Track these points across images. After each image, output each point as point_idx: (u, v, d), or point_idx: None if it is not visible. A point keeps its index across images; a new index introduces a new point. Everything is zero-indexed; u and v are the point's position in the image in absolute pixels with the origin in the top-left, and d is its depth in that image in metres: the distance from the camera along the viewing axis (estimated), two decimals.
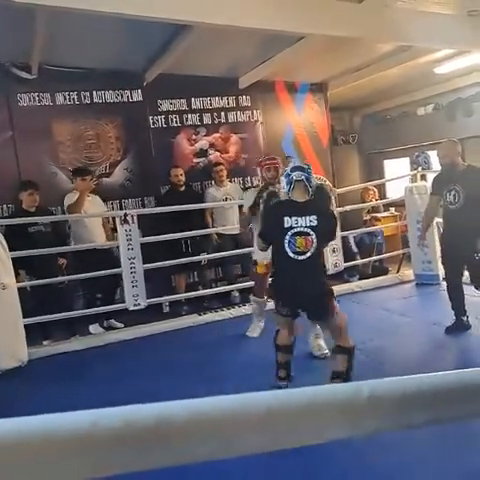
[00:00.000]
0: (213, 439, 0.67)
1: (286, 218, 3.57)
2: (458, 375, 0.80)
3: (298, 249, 3.54)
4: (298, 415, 0.69)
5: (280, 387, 3.65)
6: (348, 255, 7.50)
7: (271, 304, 5.00)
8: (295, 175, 3.65)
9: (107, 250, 6.29)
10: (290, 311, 3.76)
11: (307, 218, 3.55)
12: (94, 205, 6.18)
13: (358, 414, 0.72)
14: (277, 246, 3.67)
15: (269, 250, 3.94)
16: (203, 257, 6.81)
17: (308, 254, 3.54)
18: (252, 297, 5.59)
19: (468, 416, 0.89)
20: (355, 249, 8.04)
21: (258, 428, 0.68)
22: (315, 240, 3.53)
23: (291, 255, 3.55)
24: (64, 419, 0.63)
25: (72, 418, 0.63)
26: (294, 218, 3.56)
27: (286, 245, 3.56)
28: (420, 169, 7.24)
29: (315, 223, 3.54)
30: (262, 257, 4.87)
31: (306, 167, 3.72)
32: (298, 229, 3.54)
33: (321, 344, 4.73)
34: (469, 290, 5.15)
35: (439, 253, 6.95)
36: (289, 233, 3.55)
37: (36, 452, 0.61)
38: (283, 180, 3.80)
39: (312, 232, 3.54)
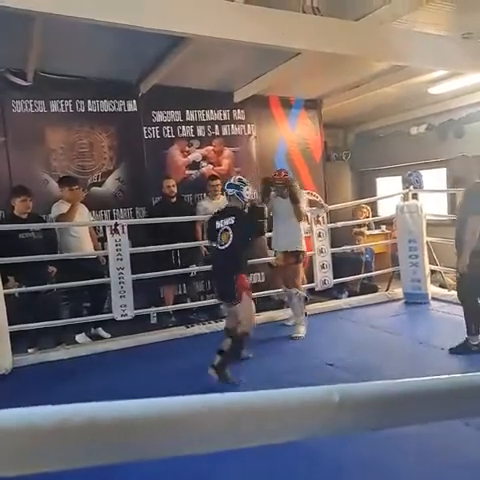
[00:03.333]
0: (179, 436, 0.67)
1: (217, 222, 4.71)
2: (421, 382, 0.83)
3: (221, 241, 4.61)
4: (266, 415, 0.70)
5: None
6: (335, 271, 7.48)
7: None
8: (228, 191, 4.76)
9: (94, 259, 6.27)
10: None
11: (229, 219, 4.61)
12: (81, 215, 6.16)
13: (329, 415, 0.73)
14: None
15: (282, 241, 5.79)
16: (192, 269, 6.80)
17: (227, 245, 4.56)
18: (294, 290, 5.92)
19: (429, 420, 0.94)
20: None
21: (226, 426, 0.69)
22: (231, 235, 4.54)
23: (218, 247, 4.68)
24: (35, 413, 0.64)
25: (43, 412, 0.64)
26: (221, 221, 4.68)
27: (218, 240, 4.67)
28: (412, 188, 7.27)
29: (233, 222, 4.58)
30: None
31: (238, 184, 4.72)
32: (223, 227, 4.63)
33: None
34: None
35: (427, 271, 6.98)
36: (218, 232, 4.65)
37: (6, 443, 0.62)
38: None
39: (230, 229, 4.57)
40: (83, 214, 6.21)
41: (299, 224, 5.94)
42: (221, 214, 4.79)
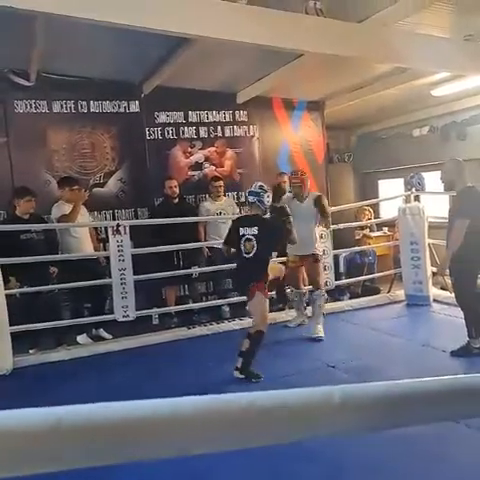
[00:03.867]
0: (179, 437, 0.67)
1: (241, 228, 4.82)
2: (422, 383, 0.83)
3: (246, 250, 4.73)
4: (267, 415, 0.70)
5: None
6: (337, 273, 7.49)
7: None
8: (250, 198, 4.88)
9: (94, 260, 6.27)
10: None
11: (253, 228, 4.73)
12: (82, 216, 6.16)
13: (329, 416, 0.73)
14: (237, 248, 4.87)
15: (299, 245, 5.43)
16: (194, 270, 6.80)
17: (251, 254, 4.71)
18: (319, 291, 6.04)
19: (431, 420, 0.94)
20: (342, 269, 8.07)
21: (226, 427, 0.69)
22: (255, 244, 4.68)
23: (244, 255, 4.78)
24: (29, 414, 0.64)
25: (38, 413, 0.64)
26: (245, 228, 4.79)
27: (242, 247, 4.77)
28: (414, 190, 7.26)
29: (256, 232, 4.71)
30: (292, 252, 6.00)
31: (259, 191, 4.80)
32: (246, 236, 4.75)
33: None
34: None
35: (429, 273, 6.98)
36: (242, 239, 4.77)
37: (4, 444, 0.63)
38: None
39: (254, 238, 4.70)
40: (83, 215, 6.21)
41: (314, 227, 6.03)
42: (245, 221, 4.93)
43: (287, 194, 5.96)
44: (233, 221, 5.24)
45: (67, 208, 5.91)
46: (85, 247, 6.14)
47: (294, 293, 6.31)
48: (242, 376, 4.61)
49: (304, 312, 6.41)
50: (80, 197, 5.99)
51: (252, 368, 4.63)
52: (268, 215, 4.90)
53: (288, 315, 6.57)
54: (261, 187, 4.87)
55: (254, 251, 4.69)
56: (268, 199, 4.84)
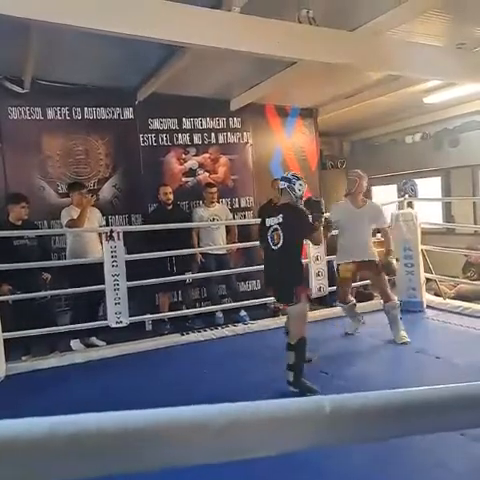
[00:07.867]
0: (168, 448, 0.68)
1: (267, 219, 4.55)
2: (414, 392, 0.83)
3: (273, 241, 4.44)
4: (260, 427, 0.71)
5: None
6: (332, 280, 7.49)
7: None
8: (280, 184, 4.62)
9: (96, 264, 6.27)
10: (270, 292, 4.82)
11: (278, 217, 4.42)
12: (89, 219, 6.14)
13: (320, 427, 0.74)
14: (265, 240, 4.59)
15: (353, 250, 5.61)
16: (187, 276, 6.80)
17: (279, 245, 4.39)
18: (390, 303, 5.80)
19: (423, 431, 0.94)
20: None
21: (215, 438, 0.69)
22: (282, 234, 4.36)
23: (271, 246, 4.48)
24: (21, 425, 0.64)
25: (29, 424, 0.64)
26: (271, 218, 4.50)
27: (269, 239, 4.49)
28: (407, 196, 7.30)
29: (281, 220, 4.39)
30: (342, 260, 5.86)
31: (291, 178, 4.54)
32: (273, 226, 4.44)
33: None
34: None
35: (423, 279, 6.99)
36: (269, 230, 4.48)
37: None
38: None
39: (279, 228, 4.39)
40: (90, 218, 6.20)
41: (369, 232, 5.97)
42: (271, 210, 4.68)
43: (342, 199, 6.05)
44: (259, 212, 4.97)
45: (75, 213, 5.97)
46: (90, 249, 6.16)
47: (344, 309, 6.19)
48: (297, 390, 4.29)
49: (360, 318, 6.25)
50: (87, 201, 6.03)
51: (305, 380, 4.35)
52: (300, 205, 4.53)
53: (282, 321, 6.56)
54: (294, 175, 4.61)
55: (281, 242, 4.36)
56: (300, 187, 4.50)
